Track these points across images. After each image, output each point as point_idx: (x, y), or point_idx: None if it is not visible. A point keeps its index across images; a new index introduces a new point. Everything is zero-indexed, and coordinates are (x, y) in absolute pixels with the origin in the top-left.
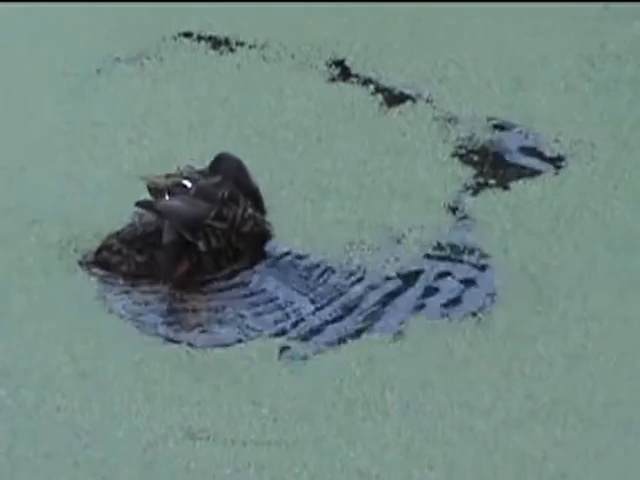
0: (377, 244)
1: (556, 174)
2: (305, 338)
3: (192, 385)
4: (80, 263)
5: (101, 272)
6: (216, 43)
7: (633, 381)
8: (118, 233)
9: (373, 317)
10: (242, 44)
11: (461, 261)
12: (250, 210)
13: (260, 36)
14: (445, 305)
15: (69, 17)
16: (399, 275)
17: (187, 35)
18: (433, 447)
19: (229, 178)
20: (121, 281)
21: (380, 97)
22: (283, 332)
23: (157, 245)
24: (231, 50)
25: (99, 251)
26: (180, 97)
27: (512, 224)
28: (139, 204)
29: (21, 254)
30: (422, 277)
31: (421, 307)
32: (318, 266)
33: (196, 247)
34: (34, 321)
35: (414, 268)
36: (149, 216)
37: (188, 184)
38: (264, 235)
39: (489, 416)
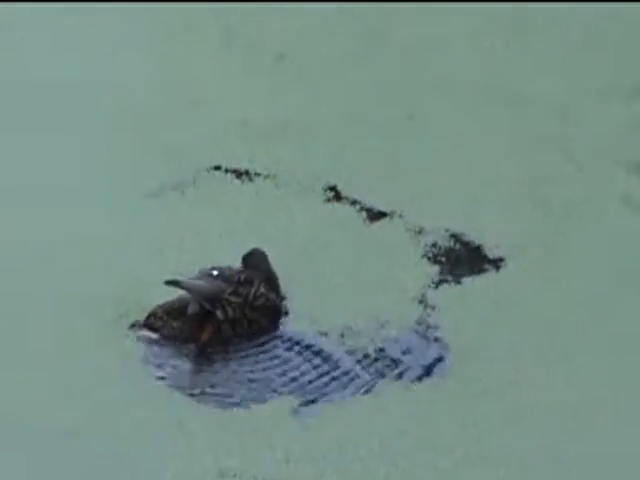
0: (366, 326)
1: (497, 272)
2: (309, 398)
3: (222, 434)
4: (133, 325)
5: (148, 333)
6: (239, 174)
7: (555, 430)
8: (161, 305)
9: (361, 382)
10: (259, 175)
11: (425, 338)
12: (263, 289)
13: (272, 168)
14: (413, 372)
15: (129, 155)
16: (381, 351)
17: (217, 168)
18: None
19: (255, 266)
20: (162, 342)
21: (364, 214)
22: (291, 392)
23: (187, 314)
24: (250, 180)
25: (148, 317)
26: (212, 215)
27: (463, 310)
28: (168, 282)
29: (86, 329)
30: (398, 352)
31: (396, 374)
32: (320, 343)
33: (215, 315)
34: (99, 386)
35: (393, 345)
36: (184, 294)
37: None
38: (275, 309)
39: (450, 456)
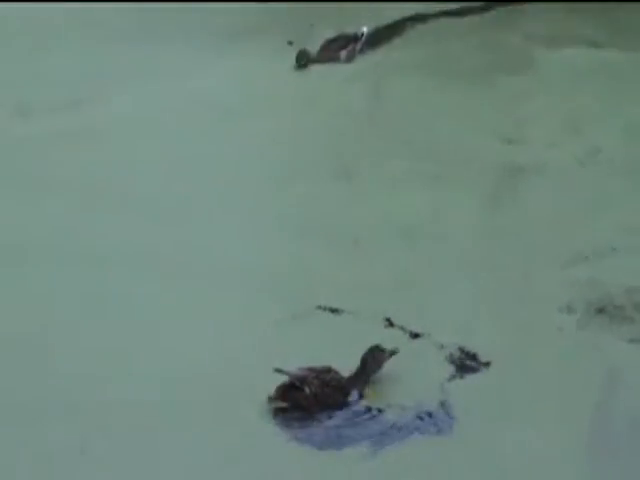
0: (406, 404)
1: (487, 371)
2: (371, 448)
3: (317, 471)
4: (270, 398)
5: (279, 402)
6: (332, 311)
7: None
8: (281, 385)
9: (403, 441)
10: (343, 311)
11: (442, 414)
12: (336, 376)
13: (351, 307)
14: (435, 433)
15: (265, 302)
16: (414, 421)
17: (319, 307)
18: None
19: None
20: (286, 408)
21: (407, 335)
22: (359, 444)
23: (291, 389)
24: (339, 314)
25: (277, 390)
26: (315, 338)
27: (466, 395)
28: (276, 370)
29: (236, 407)
30: (426, 422)
31: (425, 435)
32: (376, 414)
33: (303, 391)
34: (244, 447)
35: (422, 418)
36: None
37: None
38: (344, 389)
39: None
